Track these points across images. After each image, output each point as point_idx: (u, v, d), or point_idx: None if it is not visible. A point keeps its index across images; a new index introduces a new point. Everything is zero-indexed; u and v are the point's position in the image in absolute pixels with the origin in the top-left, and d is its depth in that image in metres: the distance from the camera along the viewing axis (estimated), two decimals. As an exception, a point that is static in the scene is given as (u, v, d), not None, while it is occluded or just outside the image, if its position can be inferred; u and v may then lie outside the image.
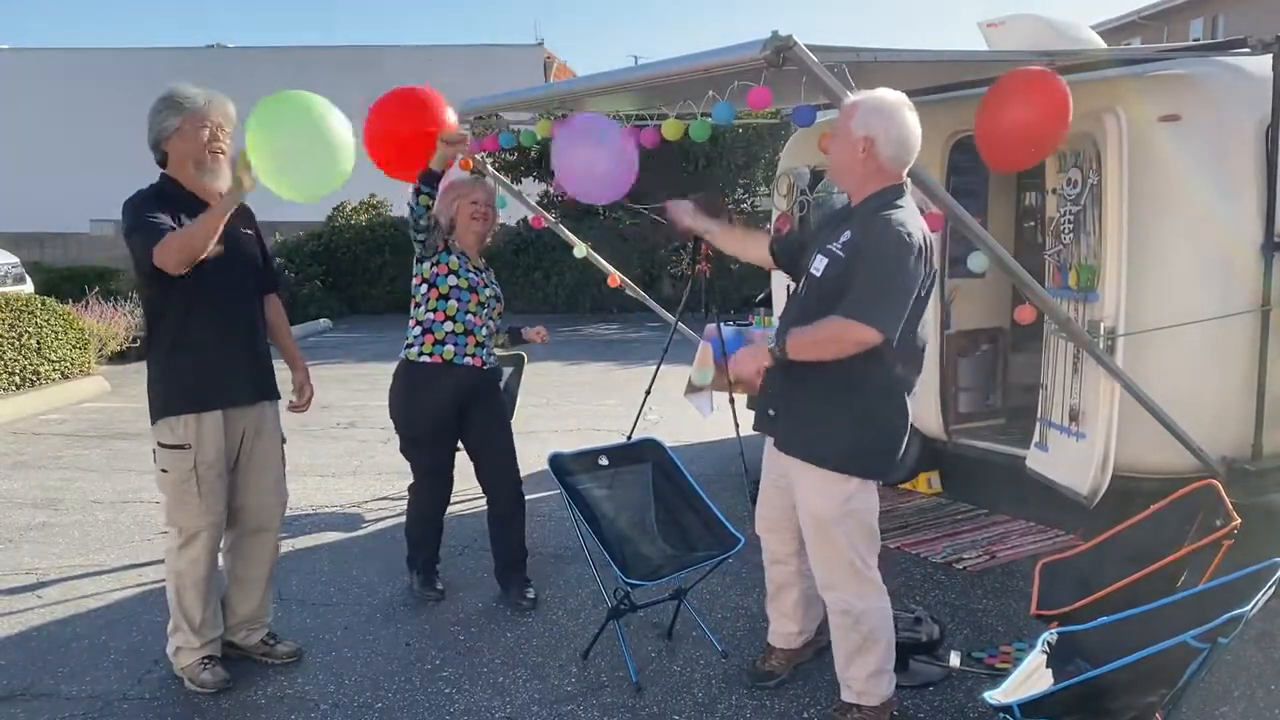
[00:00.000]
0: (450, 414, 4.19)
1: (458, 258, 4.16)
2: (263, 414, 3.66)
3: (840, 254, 2.99)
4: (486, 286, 4.22)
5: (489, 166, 6.71)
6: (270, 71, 24.08)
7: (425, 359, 4.12)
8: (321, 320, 15.83)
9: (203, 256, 3.20)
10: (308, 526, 5.52)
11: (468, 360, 4.14)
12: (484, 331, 4.20)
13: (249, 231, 3.57)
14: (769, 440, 3.34)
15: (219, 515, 3.54)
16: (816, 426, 3.08)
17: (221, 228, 3.19)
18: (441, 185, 4.02)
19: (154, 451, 3.50)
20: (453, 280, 4.12)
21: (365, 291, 17.37)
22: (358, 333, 14.79)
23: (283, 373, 3.74)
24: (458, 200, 4.24)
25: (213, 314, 3.39)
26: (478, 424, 4.25)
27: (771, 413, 3.24)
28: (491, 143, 5.60)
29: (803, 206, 6.22)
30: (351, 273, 17.24)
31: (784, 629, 3.54)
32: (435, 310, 4.12)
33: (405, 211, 4.09)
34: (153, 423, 3.47)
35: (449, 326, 4.11)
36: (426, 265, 4.14)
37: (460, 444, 4.40)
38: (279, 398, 3.73)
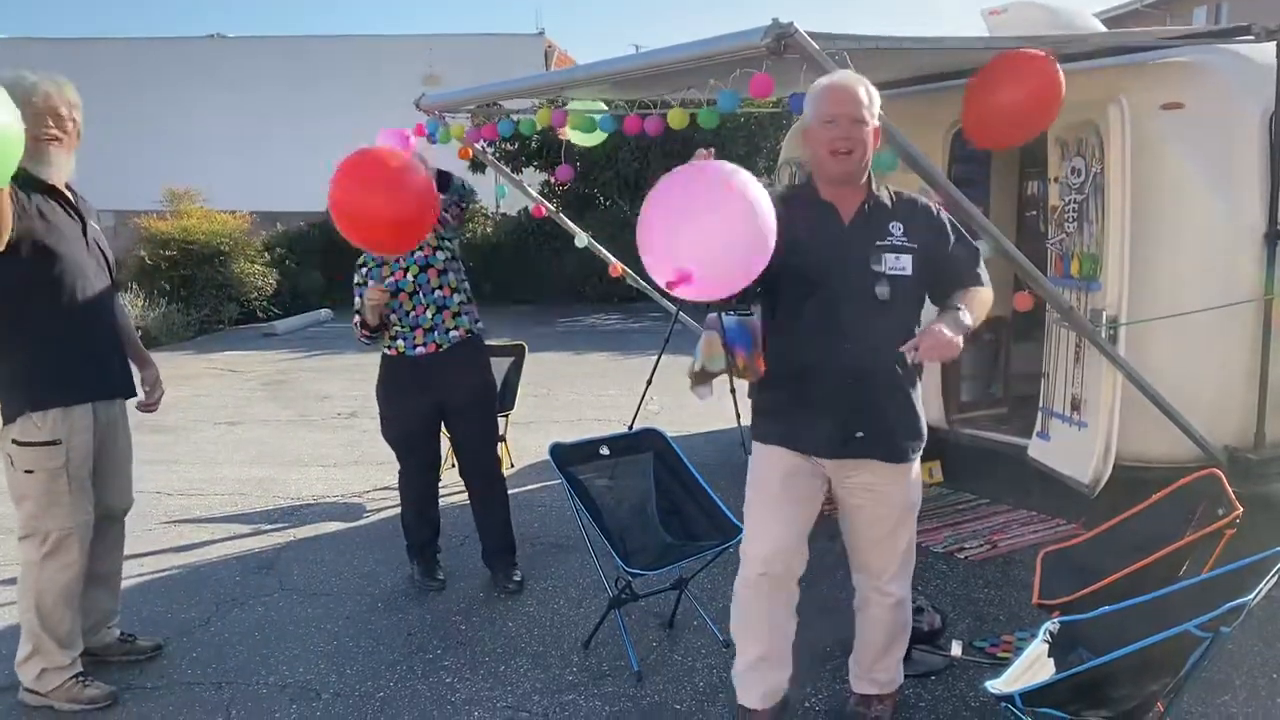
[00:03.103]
0: (417, 400, 4.24)
1: (371, 281, 4.21)
2: (121, 410, 3.57)
3: (912, 245, 2.84)
4: (405, 274, 4.21)
5: (489, 155, 6.70)
6: (270, 61, 24.07)
7: (389, 351, 4.27)
8: (323, 310, 15.84)
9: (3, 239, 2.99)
10: (309, 516, 5.52)
11: (419, 350, 4.20)
12: (428, 316, 4.20)
13: (96, 225, 3.50)
14: (796, 457, 2.96)
15: (90, 513, 3.37)
16: (908, 424, 2.99)
17: (10, 211, 2.95)
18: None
19: (9, 456, 3.27)
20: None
21: (366, 282, 17.24)
22: (359, 323, 14.76)
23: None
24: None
25: (74, 305, 3.27)
26: (453, 410, 4.33)
27: (860, 435, 2.89)
28: (490, 131, 5.56)
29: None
30: (353, 263, 17.14)
31: (779, 681, 3.12)
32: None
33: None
34: (8, 422, 3.24)
35: (395, 326, 4.22)
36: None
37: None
38: (136, 394, 3.63)
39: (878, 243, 2.83)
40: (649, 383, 6.26)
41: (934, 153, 5.10)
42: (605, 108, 5.48)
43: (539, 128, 5.33)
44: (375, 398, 4.38)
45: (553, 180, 16.23)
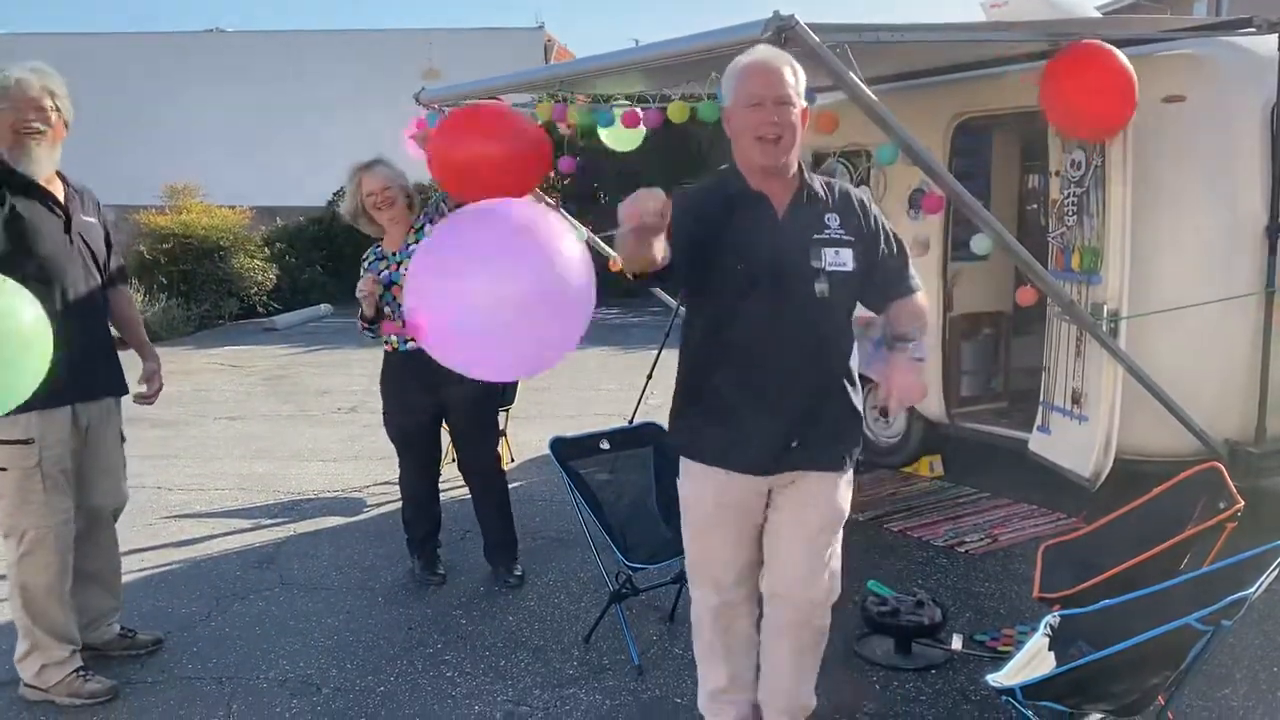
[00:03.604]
0: (416, 395, 4.24)
1: (370, 273, 4.26)
2: (108, 409, 3.49)
3: (850, 238, 2.62)
4: (399, 268, 4.21)
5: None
6: (269, 56, 24.01)
7: (386, 346, 4.30)
8: (323, 305, 15.84)
9: None
10: (310, 511, 5.52)
11: (410, 345, 4.18)
12: None
13: (90, 219, 3.42)
14: (732, 478, 2.70)
15: (68, 512, 3.30)
16: (848, 429, 2.74)
17: None
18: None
19: None
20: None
21: (366, 277, 17.26)
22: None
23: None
24: (354, 197, 4.23)
25: (54, 306, 3.14)
26: (453, 405, 4.32)
27: (794, 444, 2.65)
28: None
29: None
30: (353, 258, 16.97)
31: (745, 708, 2.90)
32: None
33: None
34: None
35: (391, 320, 4.23)
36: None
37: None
38: (127, 392, 3.57)
39: (815, 236, 2.59)
40: (649, 377, 6.26)
41: (935, 146, 5.09)
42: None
43: (539, 122, 5.31)
44: (378, 393, 4.40)
45: (552, 174, 16.19)
